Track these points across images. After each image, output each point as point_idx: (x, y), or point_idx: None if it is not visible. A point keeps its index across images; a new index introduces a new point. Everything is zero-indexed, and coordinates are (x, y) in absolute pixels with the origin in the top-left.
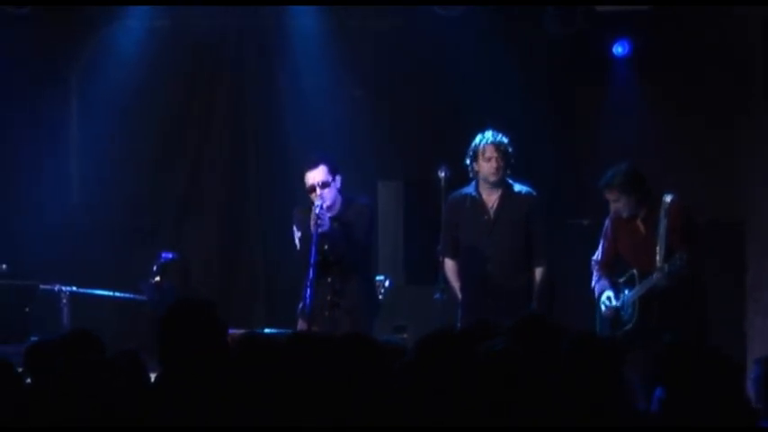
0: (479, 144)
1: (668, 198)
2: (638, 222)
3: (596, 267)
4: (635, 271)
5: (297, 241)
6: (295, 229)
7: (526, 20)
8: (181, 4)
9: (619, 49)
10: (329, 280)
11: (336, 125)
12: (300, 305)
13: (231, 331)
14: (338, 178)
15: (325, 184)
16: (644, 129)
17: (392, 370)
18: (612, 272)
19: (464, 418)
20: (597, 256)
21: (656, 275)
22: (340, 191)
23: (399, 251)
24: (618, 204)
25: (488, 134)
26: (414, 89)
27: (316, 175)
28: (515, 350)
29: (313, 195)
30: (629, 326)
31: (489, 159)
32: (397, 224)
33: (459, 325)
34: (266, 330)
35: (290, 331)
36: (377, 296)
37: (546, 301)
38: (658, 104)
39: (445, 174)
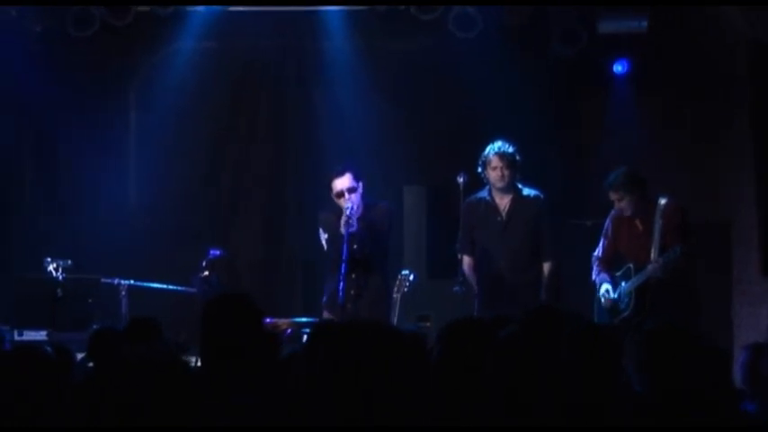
0: (487, 154)
1: (663, 200)
2: (637, 221)
3: (596, 263)
4: (631, 265)
5: (323, 242)
6: (321, 231)
7: (535, 41)
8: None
9: (618, 68)
10: (353, 276)
11: (366, 136)
12: (325, 298)
13: (271, 320)
14: (361, 184)
15: (351, 190)
16: (641, 138)
17: (415, 356)
18: (611, 267)
19: (482, 397)
20: (598, 252)
21: (651, 267)
22: (362, 195)
23: (422, 249)
24: (622, 203)
25: (496, 145)
26: (435, 103)
27: (343, 182)
28: (526, 337)
29: (341, 200)
30: (626, 314)
31: (495, 168)
32: (420, 224)
33: (476, 314)
34: (302, 319)
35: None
36: (392, 290)
37: (554, 293)
38: (654, 117)
39: (463, 179)
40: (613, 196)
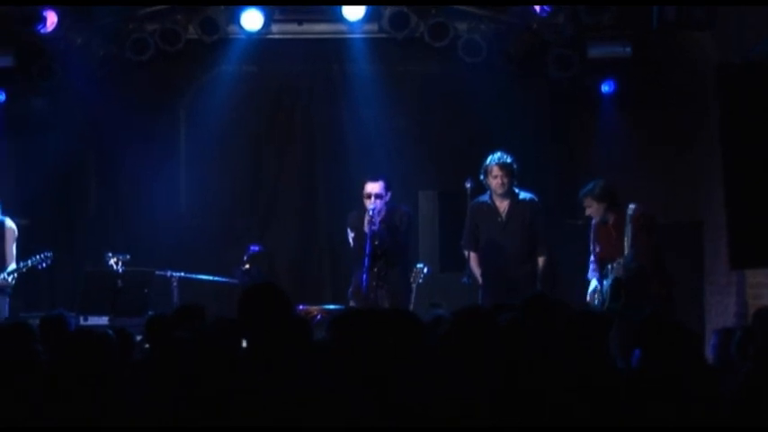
0: (488, 164)
1: (632, 206)
2: (611, 228)
3: (591, 265)
4: (609, 265)
5: (350, 239)
6: (348, 230)
7: (534, 65)
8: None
9: (606, 88)
10: (375, 270)
11: (386, 147)
12: (350, 289)
13: (303, 307)
14: (389, 194)
15: (378, 196)
16: (625, 149)
17: (431, 338)
18: (602, 266)
19: (486, 373)
20: (592, 257)
21: (615, 268)
22: (387, 202)
23: (435, 245)
24: (590, 210)
25: (496, 156)
26: (446, 119)
27: (375, 187)
28: (524, 322)
29: (368, 201)
30: (605, 305)
31: (496, 177)
32: (433, 224)
33: (481, 302)
34: (331, 306)
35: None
36: (411, 282)
37: (548, 283)
38: (637, 130)
39: (471, 185)
40: (584, 203)
